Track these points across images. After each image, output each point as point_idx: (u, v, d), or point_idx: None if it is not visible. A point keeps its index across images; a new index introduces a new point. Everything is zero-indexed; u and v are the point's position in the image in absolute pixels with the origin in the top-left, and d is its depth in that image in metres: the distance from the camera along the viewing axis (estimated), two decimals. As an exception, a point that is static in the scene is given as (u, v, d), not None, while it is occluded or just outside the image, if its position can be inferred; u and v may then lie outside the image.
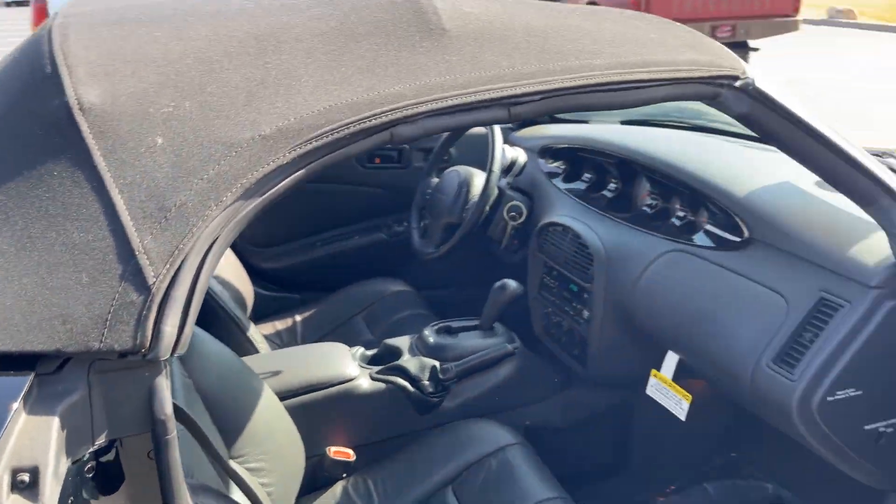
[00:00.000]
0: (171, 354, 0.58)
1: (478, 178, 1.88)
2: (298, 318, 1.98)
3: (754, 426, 1.45)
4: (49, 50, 0.65)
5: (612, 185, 1.67)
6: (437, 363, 1.49)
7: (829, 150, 0.89)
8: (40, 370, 0.56)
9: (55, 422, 0.54)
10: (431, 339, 1.56)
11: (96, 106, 0.61)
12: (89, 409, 0.57)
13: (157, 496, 0.59)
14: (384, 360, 1.56)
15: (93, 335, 0.55)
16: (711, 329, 1.23)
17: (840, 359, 1.02)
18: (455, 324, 1.63)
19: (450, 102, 0.67)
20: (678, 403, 1.36)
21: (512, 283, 1.59)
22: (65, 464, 0.54)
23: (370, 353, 1.59)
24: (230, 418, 1.10)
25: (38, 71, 0.64)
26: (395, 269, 2.13)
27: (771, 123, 0.86)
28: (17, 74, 0.68)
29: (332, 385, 1.44)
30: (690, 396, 1.34)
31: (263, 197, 0.62)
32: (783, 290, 1.13)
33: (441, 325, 1.63)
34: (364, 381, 1.47)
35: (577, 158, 1.81)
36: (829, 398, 1.02)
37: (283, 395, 1.35)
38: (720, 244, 1.31)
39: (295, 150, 0.63)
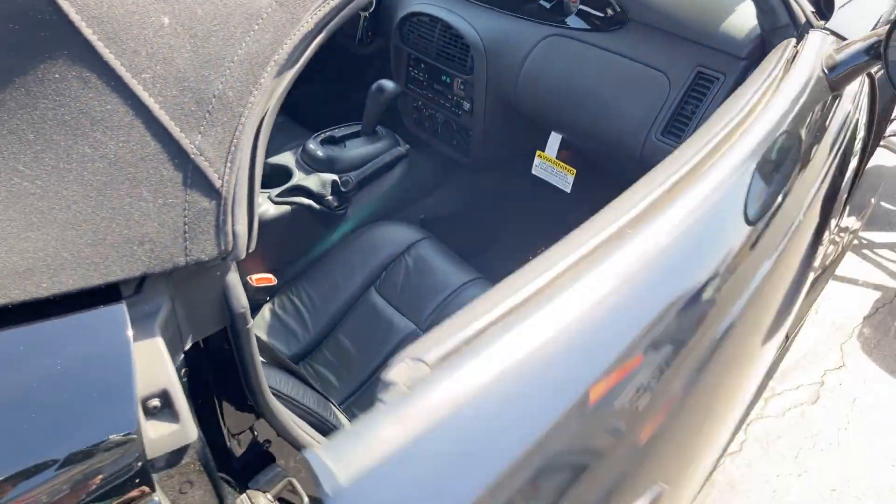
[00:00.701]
0: (246, 252, 0.57)
1: None
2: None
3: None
4: None
5: None
6: (336, 177, 1.49)
7: None
8: (125, 295, 0.53)
9: (159, 341, 0.53)
10: (320, 153, 1.54)
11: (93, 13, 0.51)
12: (175, 319, 0.56)
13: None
14: (274, 180, 1.53)
15: (175, 251, 0.53)
16: (597, 108, 1.35)
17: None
18: (338, 132, 1.61)
19: None
20: (563, 178, 1.53)
21: (389, 84, 1.57)
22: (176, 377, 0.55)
23: None
24: None
25: None
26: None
27: None
28: None
29: None
30: (574, 170, 1.50)
31: (293, 70, 0.58)
32: (664, 67, 1.26)
33: (323, 135, 1.60)
34: (268, 207, 1.45)
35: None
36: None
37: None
38: (595, 26, 1.39)
39: (316, 14, 0.58)
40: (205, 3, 0.54)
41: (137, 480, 0.49)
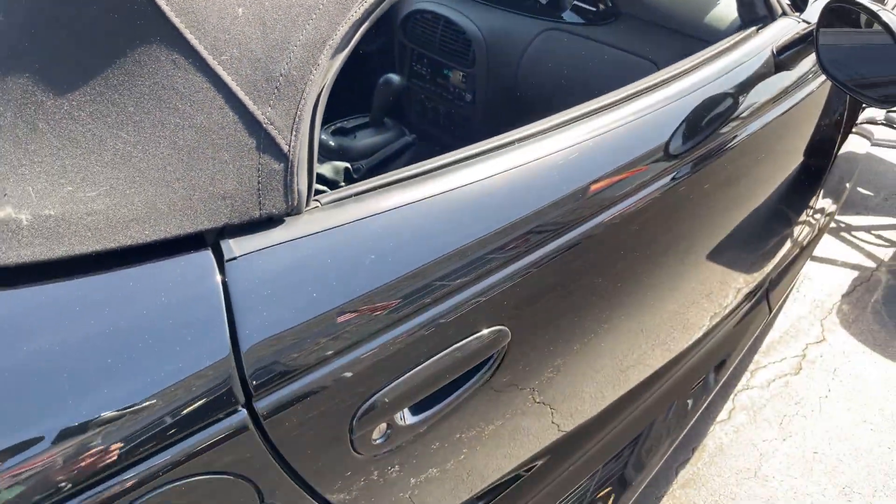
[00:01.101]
0: (305, 207, 0.67)
1: None
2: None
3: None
4: None
5: None
6: (348, 165, 1.59)
7: None
8: (209, 242, 0.62)
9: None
10: (332, 143, 1.64)
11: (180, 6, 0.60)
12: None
13: None
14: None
15: (251, 206, 0.62)
16: (591, 96, 1.45)
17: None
18: (348, 124, 1.71)
19: None
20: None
21: (395, 78, 1.67)
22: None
23: None
24: None
25: None
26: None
27: None
28: None
29: None
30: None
31: (344, 53, 0.68)
32: (652, 56, 1.37)
33: (334, 126, 1.70)
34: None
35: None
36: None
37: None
38: (589, 20, 1.49)
39: (363, 4, 0.68)
40: None
41: (226, 399, 0.59)
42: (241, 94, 0.62)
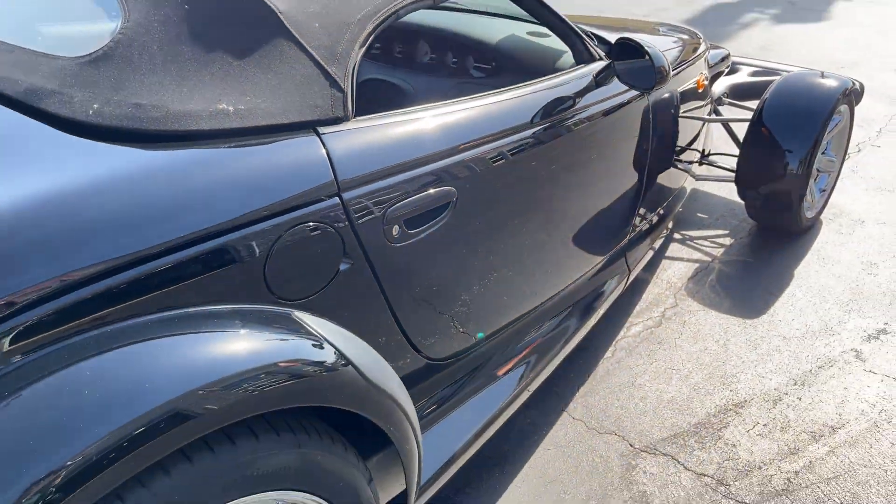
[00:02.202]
0: (352, 117, 1.34)
1: None
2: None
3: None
4: None
5: (398, 48, 2.52)
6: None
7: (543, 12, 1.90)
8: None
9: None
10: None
11: (284, 10, 1.29)
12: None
13: None
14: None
15: (329, 112, 1.28)
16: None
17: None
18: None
19: None
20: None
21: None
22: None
23: None
24: None
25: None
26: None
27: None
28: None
29: None
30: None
31: (372, 37, 1.38)
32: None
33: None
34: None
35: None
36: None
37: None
38: (486, 73, 2.27)
39: (393, 8, 1.39)
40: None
41: (329, 191, 1.22)
42: (318, 58, 1.29)
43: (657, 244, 2.72)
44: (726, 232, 3.26)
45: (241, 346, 0.98)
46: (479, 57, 2.29)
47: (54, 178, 0.94)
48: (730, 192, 3.48)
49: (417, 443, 1.28)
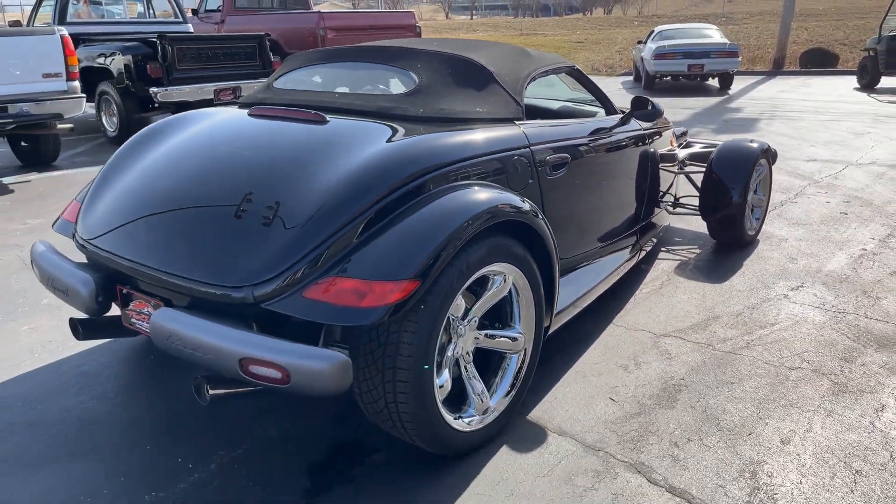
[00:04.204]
0: (524, 120, 2.85)
1: None
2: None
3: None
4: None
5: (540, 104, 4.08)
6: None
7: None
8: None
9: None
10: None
11: (494, 71, 2.84)
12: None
13: None
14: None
15: (514, 115, 2.80)
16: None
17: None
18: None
19: None
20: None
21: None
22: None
23: None
24: None
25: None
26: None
27: None
28: None
29: None
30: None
31: (533, 82, 2.92)
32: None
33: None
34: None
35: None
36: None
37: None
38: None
39: (547, 67, 2.96)
40: (517, 53, 2.92)
41: (526, 145, 2.70)
42: (511, 91, 2.83)
43: (653, 242, 4.22)
44: (697, 246, 4.78)
45: (494, 195, 2.41)
46: (562, 110, 3.91)
47: (412, 138, 2.43)
48: (698, 226, 5.05)
49: (556, 272, 2.69)
